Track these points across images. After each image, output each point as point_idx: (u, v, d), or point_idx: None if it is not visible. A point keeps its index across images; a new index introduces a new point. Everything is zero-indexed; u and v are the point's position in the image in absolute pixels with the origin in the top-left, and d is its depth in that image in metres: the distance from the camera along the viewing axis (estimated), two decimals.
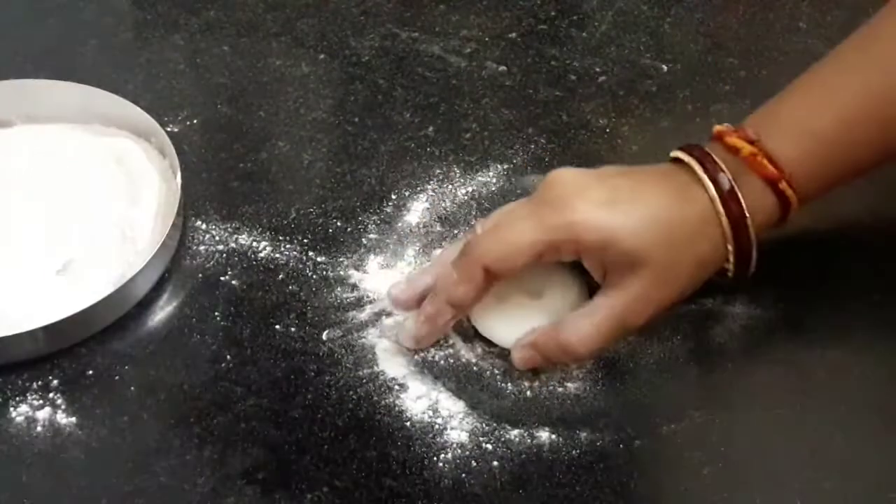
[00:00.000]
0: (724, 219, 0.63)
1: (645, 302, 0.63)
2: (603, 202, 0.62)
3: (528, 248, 0.63)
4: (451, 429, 0.64)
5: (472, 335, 0.68)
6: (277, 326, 0.68)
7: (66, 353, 0.66)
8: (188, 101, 0.80)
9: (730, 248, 0.64)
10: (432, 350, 0.67)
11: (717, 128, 0.66)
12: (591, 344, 0.63)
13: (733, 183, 0.63)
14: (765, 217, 0.65)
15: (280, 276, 0.70)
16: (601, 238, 0.62)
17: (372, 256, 0.72)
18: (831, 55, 0.67)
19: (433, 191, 0.75)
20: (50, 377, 0.66)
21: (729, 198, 0.63)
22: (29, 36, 0.84)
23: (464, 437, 0.64)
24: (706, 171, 0.64)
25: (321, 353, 0.67)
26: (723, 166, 0.64)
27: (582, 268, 0.66)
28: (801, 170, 0.64)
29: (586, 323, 0.63)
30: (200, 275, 0.70)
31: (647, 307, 0.63)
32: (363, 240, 0.72)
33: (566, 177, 0.64)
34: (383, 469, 0.62)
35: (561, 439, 0.64)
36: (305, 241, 0.72)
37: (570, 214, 0.62)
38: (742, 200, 0.63)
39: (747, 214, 0.63)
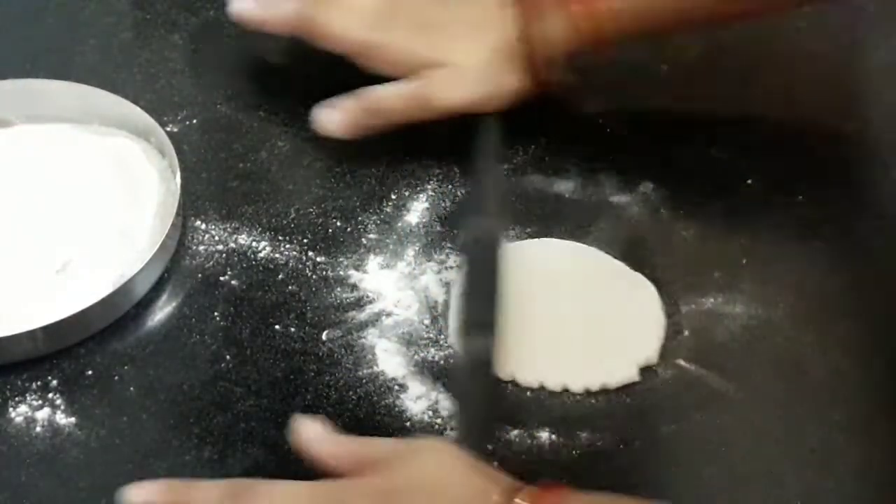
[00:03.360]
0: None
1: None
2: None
3: None
4: (451, 429, 0.64)
5: None
6: (277, 326, 0.68)
7: (65, 353, 0.66)
8: (188, 101, 0.80)
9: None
10: (432, 350, 0.67)
11: None
12: (391, 99, 0.74)
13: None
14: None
15: (280, 276, 0.70)
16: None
17: (372, 256, 0.72)
18: None
19: (433, 191, 0.75)
20: (49, 377, 0.65)
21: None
22: (29, 36, 0.84)
23: None
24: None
25: (321, 354, 0.67)
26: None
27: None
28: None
29: (390, 85, 0.74)
30: (200, 275, 0.70)
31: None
32: (363, 240, 0.72)
33: None
34: None
35: (561, 439, 0.64)
36: (305, 241, 0.72)
37: None
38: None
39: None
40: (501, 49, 0.74)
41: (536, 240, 0.73)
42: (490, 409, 0.65)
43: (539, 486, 0.56)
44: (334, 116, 0.74)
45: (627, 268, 0.71)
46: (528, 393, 0.66)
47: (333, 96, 0.76)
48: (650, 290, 0.70)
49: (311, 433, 0.60)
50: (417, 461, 0.58)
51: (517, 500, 0.55)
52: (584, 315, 0.69)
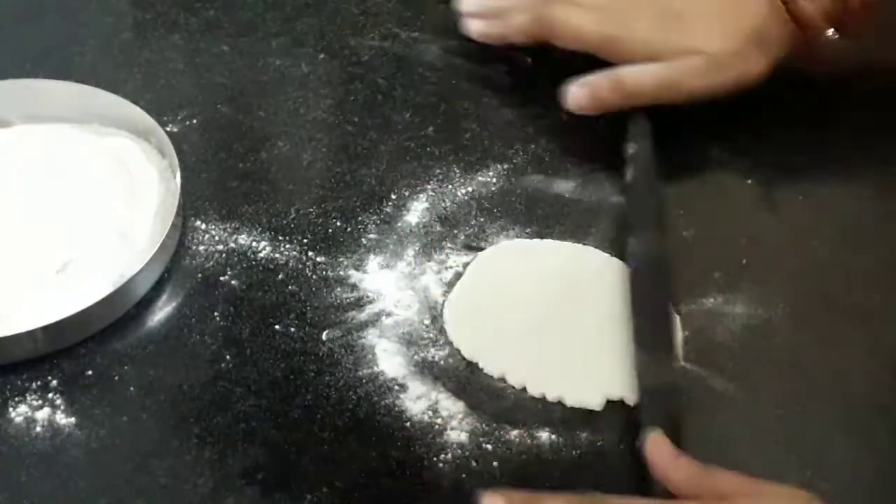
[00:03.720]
0: None
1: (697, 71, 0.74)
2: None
3: None
4: (451, 429, 0.64)
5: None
6: (277, 326, 0.68)
7: (65, 353, 0.66)
8: (188, 101, 0.80)
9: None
10: (432, 350, 0.67)
11: None
12: (642, 80, 0.74)
13: None
14: None
15: (280, 276, 0.70)
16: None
17: (372, 256, 0.72)
18: None
19: (433, 191, 0.75)
20: (49, 377, 0.65)
21: None
22: (29, 36, 0.84)
23: (464, 437, 0.64)
24: None
25: (321, 354, 0.67)
26: None
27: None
28: None
29: (641, 66, 0.75)
30: (200, 275, 0.70)
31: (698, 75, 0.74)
32: (363, 240, 0.72)
33: None
34: (383, 469, 0.62)
35: (561, 439, 0.64)
36: (305, 241, 0.72)
37: None
38: None
39: None
40: (748, 36, 0.75)
41: (544, 241, 0.73)
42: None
43: None
44: (582, 91, 0.76)
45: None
46: (529, 393, 0.66)
47: (333, 96, 0.77)
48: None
49: (663, 453, 0.60)
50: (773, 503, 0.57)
51: None
52: (588, 327, 0.68)
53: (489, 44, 0.82)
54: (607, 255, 0.72)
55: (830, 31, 0.74)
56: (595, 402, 0.65)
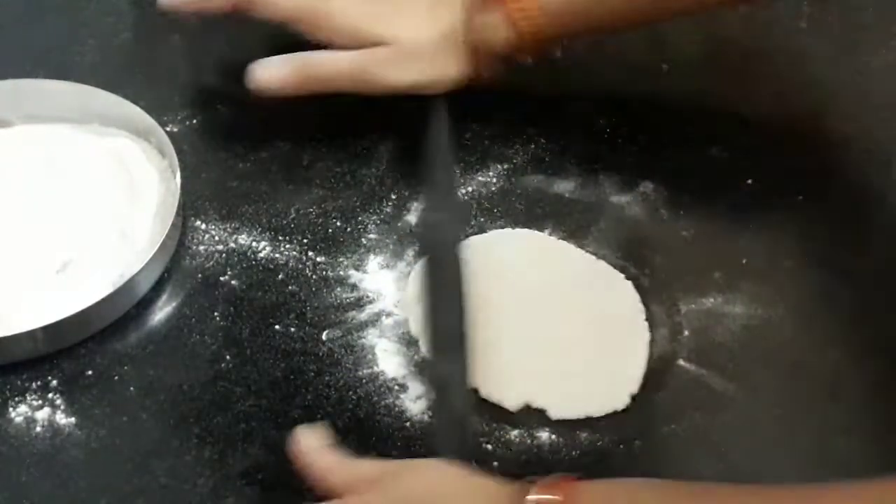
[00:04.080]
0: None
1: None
2: None
3: None
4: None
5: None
6: (277, 326, 0.68)
7: (65, 353, 0.66)
8: (188, 101, 0.80)
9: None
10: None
11: None
12: (337, 66, 0.73)
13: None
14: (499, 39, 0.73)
15: (280, 276, 0.70)
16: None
17: (372, 256, 0.72)
18: None
19: None
20: (49, 377, 0.65)
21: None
22: (29, 36, 0.84)
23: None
24: None
25: (321, 354, 0.67)
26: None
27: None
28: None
29: (337, 53, 0.73)
30: (200, 275, 0.70)
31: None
32: (363, 240, 0.72)
33: None
34: None
35: (561, 439, 0.64)
36: (305, 241, 0.72)
37: None
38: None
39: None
40: (450, 34, 0.74)
41: (497, 231, 0.73)
42: (467, 427, 0.63)
43: (550, 478, 0.56)
44: (270, 72, 0.73)
45: (597, 262, 0.71)
46: None
47: (333, 96, 0.76)
48: (630, 292, 0.69)
49: (310, 443, 0.59)
50: (416, 475, 0.58)
51: (530, 497, 0.55)
52: (565, 336, 0.68)
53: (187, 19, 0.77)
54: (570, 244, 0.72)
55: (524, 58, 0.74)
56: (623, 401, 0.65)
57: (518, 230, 0.73)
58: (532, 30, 0.72)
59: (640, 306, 0.69)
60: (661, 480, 0.57)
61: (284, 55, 0.74)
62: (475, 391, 0.65)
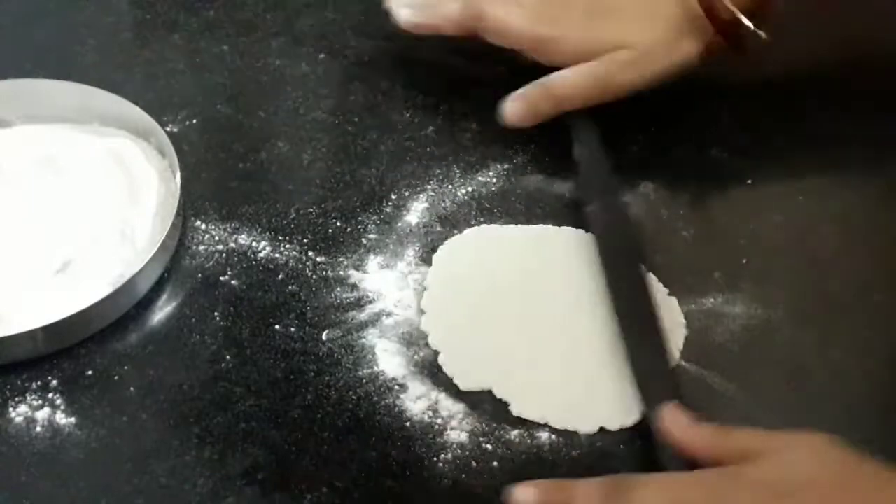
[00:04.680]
0: None
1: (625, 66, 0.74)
2: None
3: None
4: (451, 429, 0.64)
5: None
6: (277, 326, 0.68)
7: (65, 353, 0.66)
8: (188, 101, 0.80)
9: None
10: (432, 350, 0.67)
11: None
12: (574, 83, 0.74)
13: None
14: None
15: (280, 276, 0.70)
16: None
17: (372, 256, 0.72)
18: None
19: (433, 191, 0.75)
20: (49, 377, 0.65)
21: None
22: (29, 36, 0.84)
23: (464, 437, 0.64)
24: None
25: (321, 354, 0.67)
26: None
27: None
28: None
29: (570, 70, 0.74)
30: (200, 275, 0.70)
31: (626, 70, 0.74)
32: (363, 240, 0.72)
33: None
34: (383, 469, 0.62)
35: (561, 439, 0.64)
36: (305, 241, 0.72)
37: None
38: None
39: None
40: (673, 22, 0.75)
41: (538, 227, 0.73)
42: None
43: None
44: (517, 104, 0.75)
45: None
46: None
47: (333, 96, 0.76)
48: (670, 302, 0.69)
49: (680, 422, 0.60)
50: (798, 455, 0.57)
51: None
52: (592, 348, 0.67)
53: (425, 35, 0.79)
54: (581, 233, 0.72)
55: (747, 22, 0.74)
56: (587, 428, 0.64)
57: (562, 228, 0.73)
58: None
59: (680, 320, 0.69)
60: None
61: (528, 87, 0.75)
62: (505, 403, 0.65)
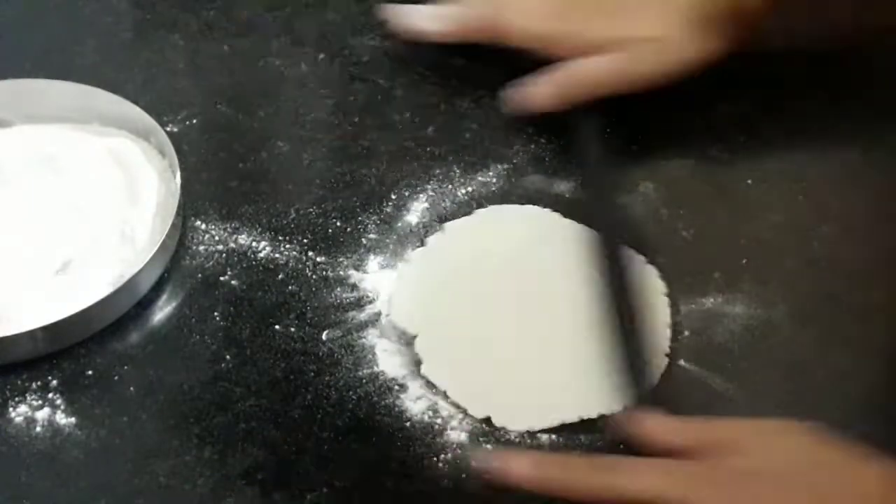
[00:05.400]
0: None
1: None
2: None
3: None
4: (451, 429, 0.64)
5: None
6: (277, 327, 0.68)
7: (65, 353, 0.66)
8: (188, 101, 0.80)
9: None
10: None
11: None
12: (598, 71, 0.75)
13: None
14: None
15: (280, 276, 0.70)
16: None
17: (372, 256, 0.72)
18: None
19: (433, 191, 0.75)
20: (49, 377, 0.65)
21: None
22: (28, 36, 0.84)
23: (464, 437, 0.64)
24: None
25: (321, 354, 0.67)
26: None
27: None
28: None
29: (592, 59, 0.75)
30: (200, 275, 0.70)
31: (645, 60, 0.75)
32: (363, 240, 0.72)
33: None
34: (383, 469, 0.62)
35: (561, 439, 0.64)
36: (305, 241, 0.72)
37: None
38: None
39: None
40: (692, 15, 0.75)
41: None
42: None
43: None
44: (542, 89, 0.75)
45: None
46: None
47: (333, 96, 0.76)
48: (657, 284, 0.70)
49: (653, 423, 0.60)
50: (775, 444, 0.57)
51: None
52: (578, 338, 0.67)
53: (443, 42, 0.80)
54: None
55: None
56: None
57: (526, 207, 0.73)
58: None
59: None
60: None
61: (543, 75, 0.75)
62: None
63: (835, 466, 0.56)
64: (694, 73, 0.75)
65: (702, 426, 0.60)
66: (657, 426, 0.60)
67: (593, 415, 0.64)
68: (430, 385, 0.66)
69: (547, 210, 0.73)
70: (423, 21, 0.80)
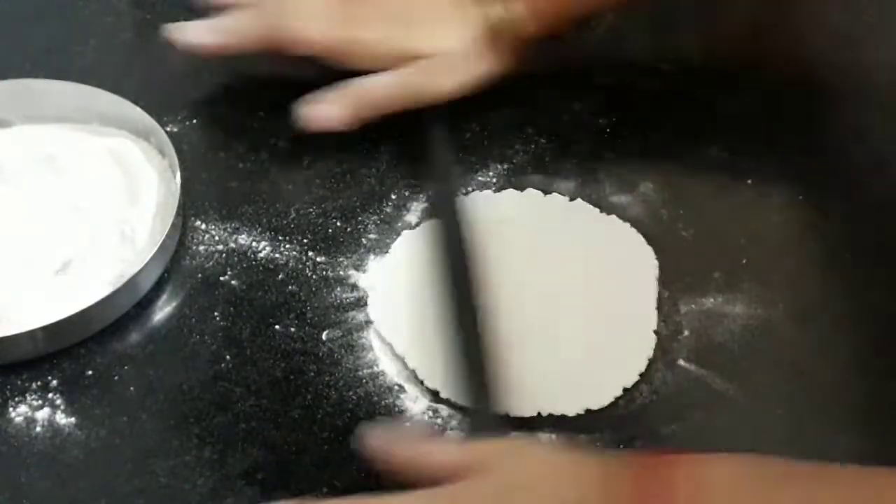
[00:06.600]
0: None
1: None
2: None
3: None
4: (451, 429, 0.64)
5: None
6: (277, 327, 0.68)
7: (65, 353, 0.66)
8: (188, 101, 0.80)
9: None
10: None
11: None
12: (388, 88, 0.74)
13: None
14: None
15: (280, 276, 0.70)
16: None
17: (372, 256, 0.72)
18: None
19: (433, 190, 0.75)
20: (49, 377, 0.65)
21: None
22: (29, 36, 0.84)
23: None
24: None
25: (321, 354, 0.67)
26: None
27: None
28: None
29: (381, 76, 0.74)
30: (200, 275, 0.70)
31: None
32: (363, 240, 0.72)
33: None
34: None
35: (561, 439, 0.64)
36: (305, 241, 0.72)
37: None
38: None
39: None
40: (482, 32, 0.75)
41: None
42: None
43: (646, 457, 0.56)
44: (326, 110, 0.74)
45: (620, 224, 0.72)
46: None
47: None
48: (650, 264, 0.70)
49: (386, 436, 0.60)
50: (518, 460, 0.57)
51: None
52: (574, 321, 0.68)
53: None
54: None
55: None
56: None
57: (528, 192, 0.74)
58: (554, 9, 0.75)
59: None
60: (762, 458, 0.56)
61: (332, 91, 0.74)
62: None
63: (570, 469, 0.57)
64: (476, 90, 0.75)
65: (456, 448, 0.59)
66: (403, 450, 0.59)
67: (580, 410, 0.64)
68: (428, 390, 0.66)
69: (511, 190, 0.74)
70: (200, 35, 0.76)
